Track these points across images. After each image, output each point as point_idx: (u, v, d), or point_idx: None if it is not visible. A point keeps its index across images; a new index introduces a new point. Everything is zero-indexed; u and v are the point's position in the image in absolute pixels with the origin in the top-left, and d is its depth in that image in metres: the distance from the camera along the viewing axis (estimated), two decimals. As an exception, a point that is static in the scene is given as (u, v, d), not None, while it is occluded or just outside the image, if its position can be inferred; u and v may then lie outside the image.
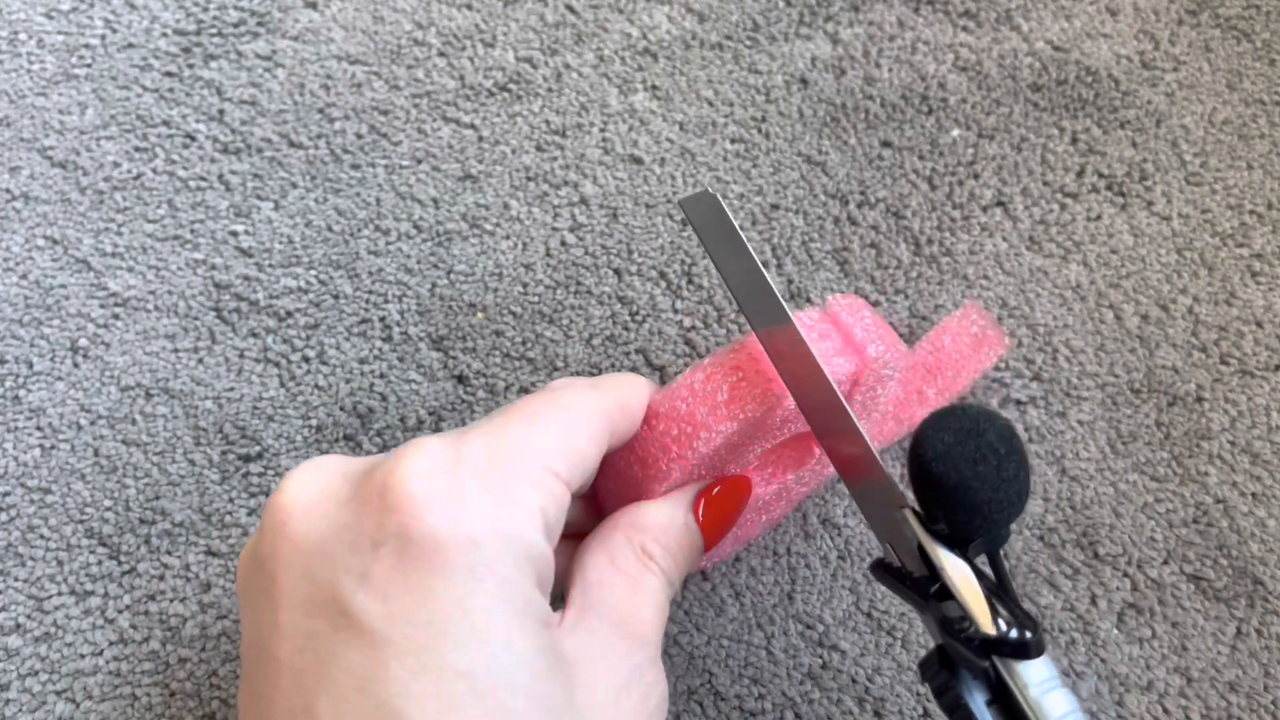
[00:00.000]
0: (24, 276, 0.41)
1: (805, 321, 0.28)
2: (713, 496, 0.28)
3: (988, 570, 0.25)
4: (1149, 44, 0.47)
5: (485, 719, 0.20)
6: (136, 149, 0.44)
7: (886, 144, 0.44)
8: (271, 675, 0.21)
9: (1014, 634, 0.22)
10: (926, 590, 0.24)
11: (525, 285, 0.41)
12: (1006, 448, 0.23)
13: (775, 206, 0.43)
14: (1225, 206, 0.43)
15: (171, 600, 0.35)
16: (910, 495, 0.25)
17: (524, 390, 0.39)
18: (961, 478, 0.23)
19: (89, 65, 0.46)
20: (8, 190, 0.43)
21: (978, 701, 0.23)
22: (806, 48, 0.47)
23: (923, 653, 0.34)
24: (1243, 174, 0.44)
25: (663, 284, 0.41)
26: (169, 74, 0.46)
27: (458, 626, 0.20)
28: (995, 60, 0.47)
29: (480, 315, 0.40)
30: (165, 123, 0.45)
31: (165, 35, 0.47)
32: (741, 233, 0.28)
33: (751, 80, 0.46)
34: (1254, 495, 0.36)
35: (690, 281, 0.41)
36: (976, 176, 0.43)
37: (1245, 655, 0.34)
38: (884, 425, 0.36)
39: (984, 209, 0.43)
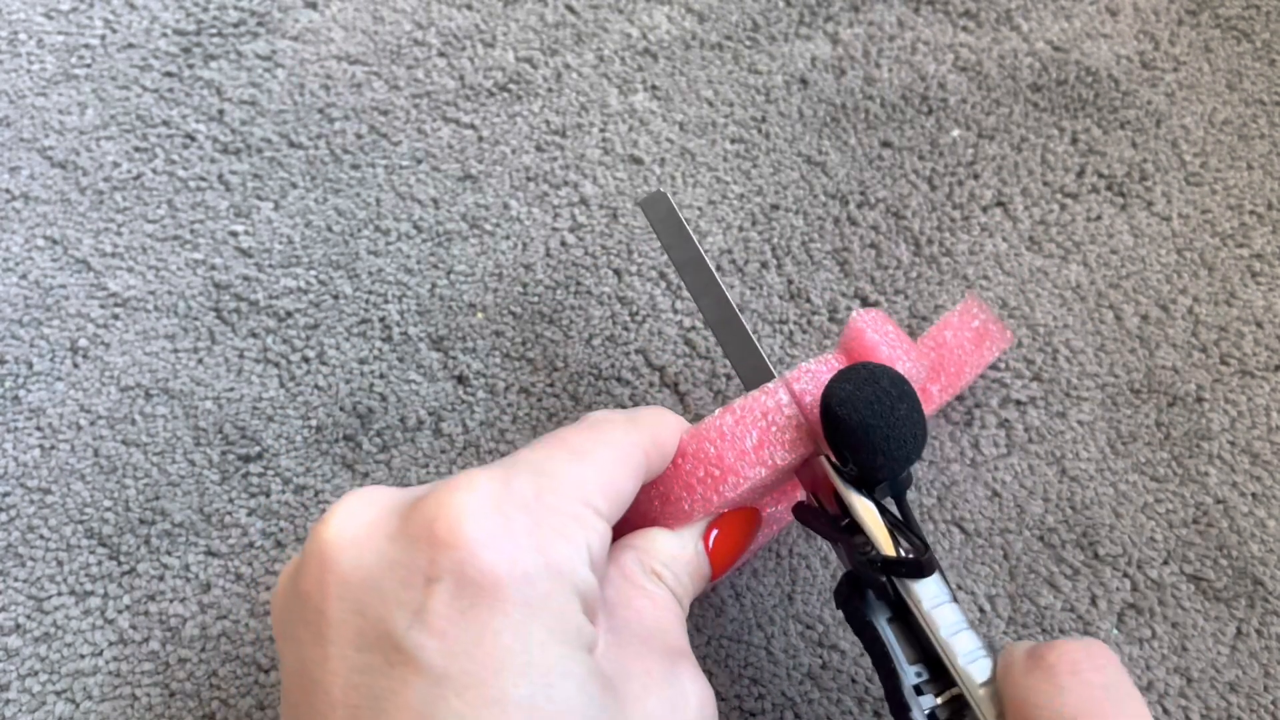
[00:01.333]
0: (24, 276, 0.41)
1: (828, 365, 0.29)
2: (724, 527, 0.29)
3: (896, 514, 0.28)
4: (1149, 44, 0.47)
5: None
6: (136, 149, 0.44)
7: (886, 144, 0.44)
8: (322, 710, 0.21)
9: (910, 556, 0.26)
10: (838, 525, 0.27)
11: (525, 285, 0.41)
12: (898, 392, 0.26)
13: (775, 206, 0.43)
14: (1225, 206, 0.43)
15: (171, 600, 0.35)
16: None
17: (524, 390, 0.39)
18: (860, 417, 0.26)
19: (89, 65, 0.46)
20: (8, 190, 0.43)
21: (881, 620, 0.26)
22: (806, 48, 0.47)
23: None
24: (1243, 174, 0.44)
25: (663, 284, 0.41)
26: (169, 74, 0.46)
27: (517, 659, 0.21)
28: (995, 60, 0.47)
29: (480, 315, 0.40)
30: (165, 123, 0.45)
31: (165, 35, 0.47)
32: (701, 247, 0.30)
33: (751, 80, 0.46)
34: (1254, 495, 0.36)
35: (690, 282, 0.41)
36: (976, 176, 0.43)
37: (1245, 655, 0.34)
38: None
39: (984, 209, 0.43)
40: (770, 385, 0.28)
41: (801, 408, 0.28)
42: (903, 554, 0.26)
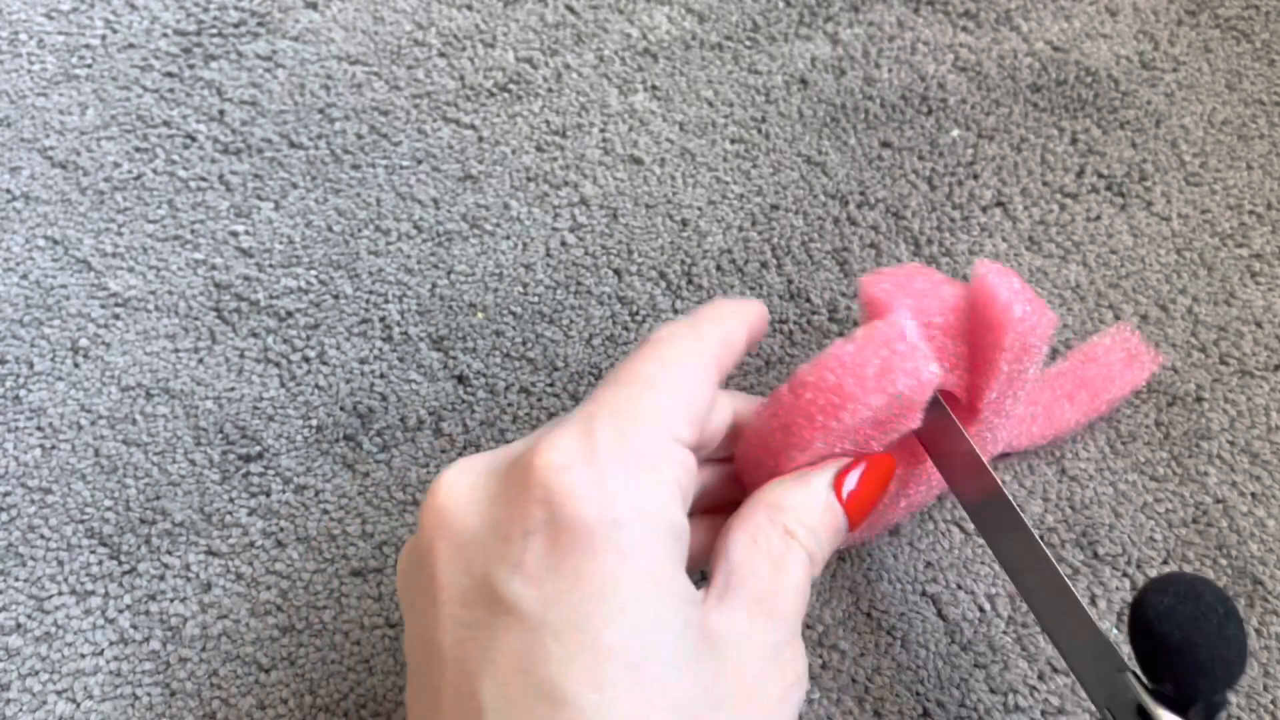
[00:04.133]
0: (24, 276, 0.41)
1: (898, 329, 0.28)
2: (856, 475, 0.28)
3: None
4: (1149, 44, 0.47)
5: (640, 692, 0.21)
6: (137, 149, 0.44)
7: (886, 144, 0.44)
8: (437, 667, 0.22)
9: None
10: None
11: (525, 285, 0.41)
12: (1225, 609, 0.25)
13: (775, 206, 0.43)
14: (1225, 206, 0.43)
15: (172, 600, 0.35)
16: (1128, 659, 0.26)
17: (524, 390, 0.39)
18: (1185, 635, 0.24)
19: (89, 65, 0.46)
20: (8, 190, 0.43)
21: None
22: (806, 48, 0.47)
23: (923, 652, 0.34)
24: (1242, 174, 0.44)
25: (663, 284, 0.41)
26: (169, 74, 0.46)
27: (609, 605, 0.21)
28: (995, 60, 0.47)
29: (480, 315, 0.40)
30: (166, 123, 0.45)
31: (165, 35, 0.47)
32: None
33: (751, 80, 0.46)
34: (1253, 495, 0.36)
35: (690, 282, 0.41)
36: (976, 177, 0.43)
37: (1245, 655, 0.34)
38: (1032, 425, 0.36)
39: (984, 209, 0.43)
40: (893, 317, 0.27)
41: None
42: None
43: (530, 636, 0.21)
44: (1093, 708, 0.29)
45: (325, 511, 0.36)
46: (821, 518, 0.27)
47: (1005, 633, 0.34)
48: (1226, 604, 0.25)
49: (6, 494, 0.36)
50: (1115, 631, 0.34)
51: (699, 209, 0.43)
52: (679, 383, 0.25)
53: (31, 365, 0.39)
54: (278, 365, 0.39)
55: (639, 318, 0.40)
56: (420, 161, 0.44)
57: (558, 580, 0.21)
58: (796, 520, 0.26)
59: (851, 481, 0.28)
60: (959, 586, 0.35)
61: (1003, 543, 0.29)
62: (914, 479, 0.33)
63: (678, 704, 0.21)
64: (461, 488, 0.24)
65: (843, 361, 0.27)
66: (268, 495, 0.37)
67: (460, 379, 0.39)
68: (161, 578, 0.35)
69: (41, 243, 0.42)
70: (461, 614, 0.22)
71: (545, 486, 0.22)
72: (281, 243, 0.42)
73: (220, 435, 0.38)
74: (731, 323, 0.27)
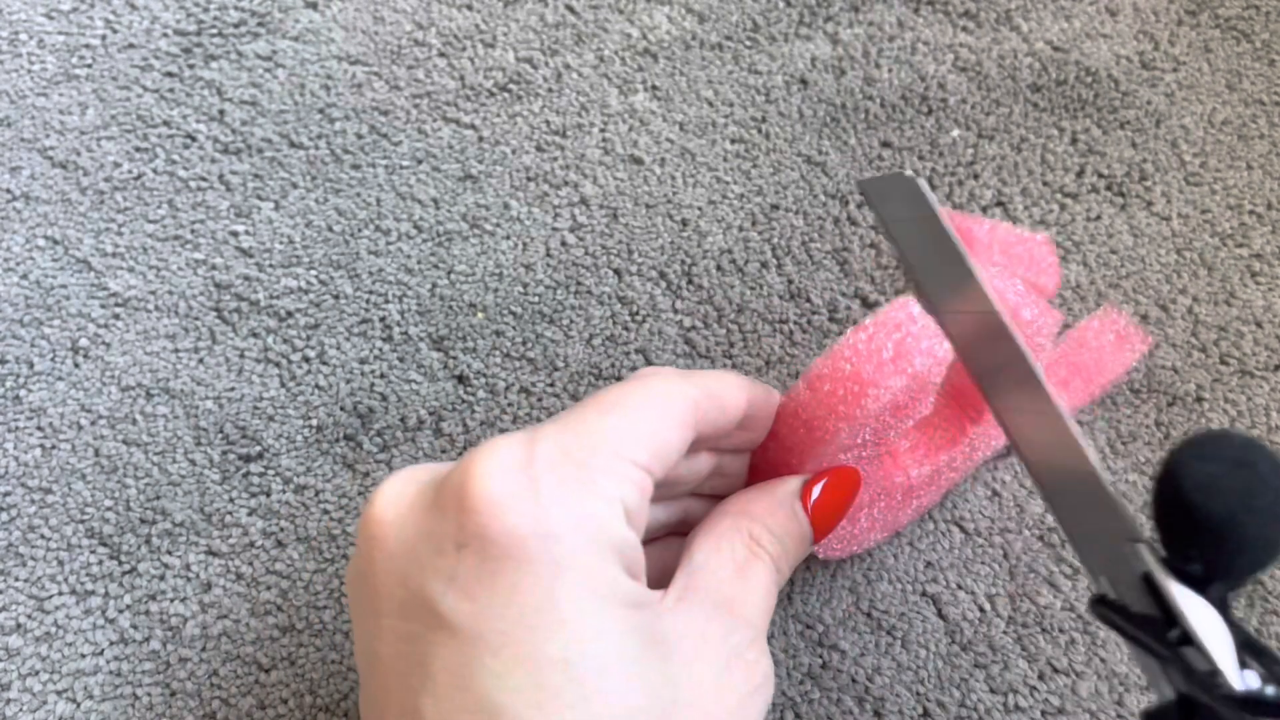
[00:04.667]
0: (24, 276, 0.41)
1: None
2: (821, 485, 0.28)
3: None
4: (1149, 44, 0.47)
5: (582, 703, 0.21)
6: (137, 149, 0.44)
7: (886, 144, 0.44)
8: (380, 679, 0.22)
9: (1270, 690, 0.19)
10: (1163, 635, 0.21)
11: (525, 285, 0.41)
12: None
13: (775, 206, 0.43)
14: (1225, 206, 0.43)
15: (172, 600, 0.35)
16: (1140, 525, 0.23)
17: (524, 390, 0.39)
18: (1230, 512, 0.20)
19: (89, 65, 0.46)
20: (8, 190, 0.43)
21: None
22: (806, 48, 0.47)
23: (923, 652, 0.34)
24: (1242, 174, 0.44)
25: (663, 284, 0.41)
26: (169, 74, 0.46)
27: (546, 618, 0.21)
28: (995, 60, 0.47)
29: (480, 315, 0.40)
30: (166, 123, 0.45)
31: (166, 35, 0.47)
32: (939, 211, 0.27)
33: (751, 80, 0.46)
34: (1253, 495, 0.36)
35: (690, 281, 0.41)
36: (976, 176, 0.43)
37: (1245, 655, 0.34)
38: None
39: (984, 209, 0.43)
40: (899, 300, 0.27)
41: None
42: (1257, 683, 0.20)
43: (466, 651, 0.21)
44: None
45: (325, 511, 0.36)
46: (787, 525, 0.27)
47: (1005, 633, 0.34)
48: None
49: (6, 494, 0.36)
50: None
51: (699, 209, 0.43)
52: (642, 411, 0.24)
53: (31, 365, 0.39)
54: (278, 365, 0.39)
55: (639, 318, 0.40)
56: (420, 161, 0.44)
57: (492, 594, 0.21)
58: (762, 527, 0.26)
59: (817, 491, 0.28)
60: (959, 586, 0.35)
61: (1000, 383, 0.25)
62: (924, 482, 0.33)
63: (625, 714, 0.21)
64: (400, 499, 0.23)
65: (857, 349, 0.27)
66: (268, 495, 0.37)
67: (460, 379, 0.39)
68: (161, 578, 0.35)
69: (41, 243, 0.42)
70: (401, 626, 0.22)
71: (476, 497, 0.22)
72: (281, 243, 0.42)
73: (220, 435, 0.38)
74: (725, 381, 0.26)
